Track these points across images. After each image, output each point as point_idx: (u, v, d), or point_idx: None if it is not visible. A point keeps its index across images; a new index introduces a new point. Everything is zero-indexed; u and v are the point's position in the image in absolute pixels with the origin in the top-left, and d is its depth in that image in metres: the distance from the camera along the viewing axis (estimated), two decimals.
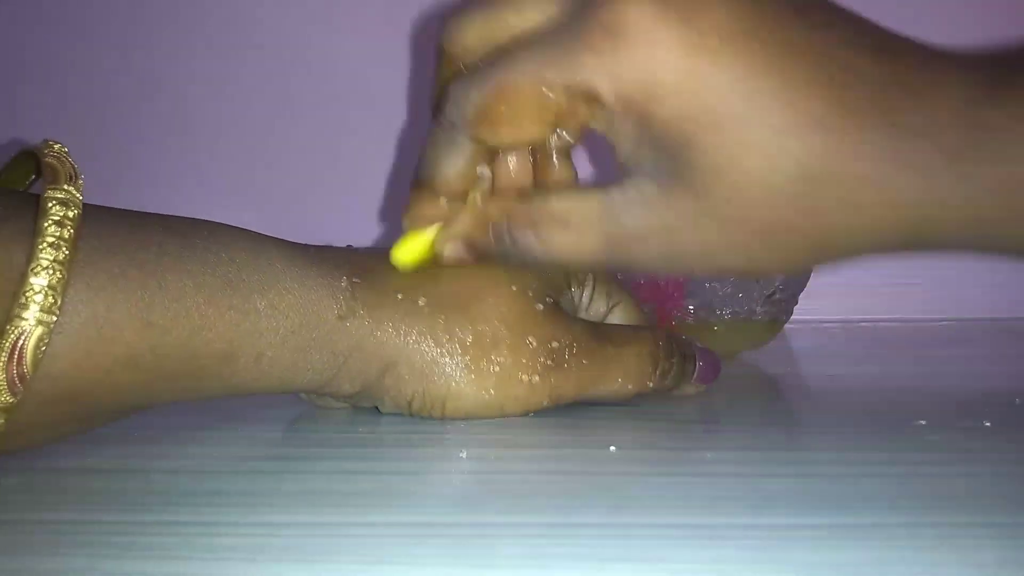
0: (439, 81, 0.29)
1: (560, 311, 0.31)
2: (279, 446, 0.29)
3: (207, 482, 0.24)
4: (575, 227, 0.27)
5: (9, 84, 0.60)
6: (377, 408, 0.31)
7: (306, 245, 0.30)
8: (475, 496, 0.23)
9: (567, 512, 0.21)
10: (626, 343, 0.31)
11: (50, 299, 0.22)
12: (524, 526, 0.21)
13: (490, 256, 0.29)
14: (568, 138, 0.27)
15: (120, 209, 0.26)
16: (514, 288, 0.30)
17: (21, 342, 0.22)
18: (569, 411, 0.33)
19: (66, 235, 0.23)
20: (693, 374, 0.33)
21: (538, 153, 0.29)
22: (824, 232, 0.24)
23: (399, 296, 0.29)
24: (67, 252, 0.23)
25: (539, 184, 0.29)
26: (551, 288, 0.31)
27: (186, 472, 0.25)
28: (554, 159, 0.29)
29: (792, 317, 0.46)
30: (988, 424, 0.29)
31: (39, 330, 0.22)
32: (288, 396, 0.33)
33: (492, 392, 0.29)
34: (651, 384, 0.31)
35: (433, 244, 0.30)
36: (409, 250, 0.30)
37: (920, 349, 0.52)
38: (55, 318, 0.22)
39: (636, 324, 0.34)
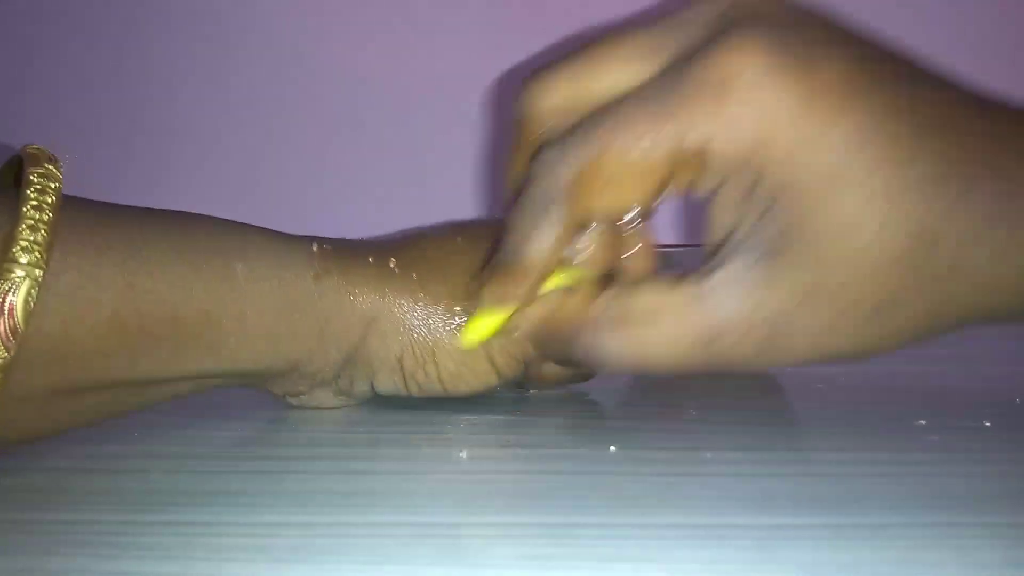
0: (521, 148, 0.27)
1: None
2: (279, 446, 0.29)
3: (207, 482, 0.24)
4: (666, 323, 0.24)
5: (5, 89, 0.60)
6: (373, 399, 0.31)
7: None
8: (475, 496, 0.23)
9: (567, 512, 0.21)
10: None
11: (36, 255, 0.23)
12: (524, 526, 0.21)
13: (560, 356, 0.28)
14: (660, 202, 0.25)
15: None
16: (481, 253, 0.30)
17: (11, 296, 0.23)
18: (569, 411, 0.33)
19: (48, 200, 0.24)
20: None
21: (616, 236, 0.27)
22: (939, 301, 0.23)
23: (369, 259, 0.30)
24: (50, 214, 0.24)
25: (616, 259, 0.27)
26: None
27: (186, 472, 0.25)
28: (632, 249, 0.27)
29: None
30: (988, 424, 0.29)
31: (27, 283, 0.23)
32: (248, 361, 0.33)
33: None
34: None
35: (504, 324, 0.28)
36: (480, 329, 0.28)
37: (920, 349, 0.51)
38: (42, 272, 0.23)
39: None
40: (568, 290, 0.28)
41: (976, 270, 0.22)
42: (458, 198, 0.58)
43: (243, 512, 0.22)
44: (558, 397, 0.34)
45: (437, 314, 0.29)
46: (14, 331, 0.23)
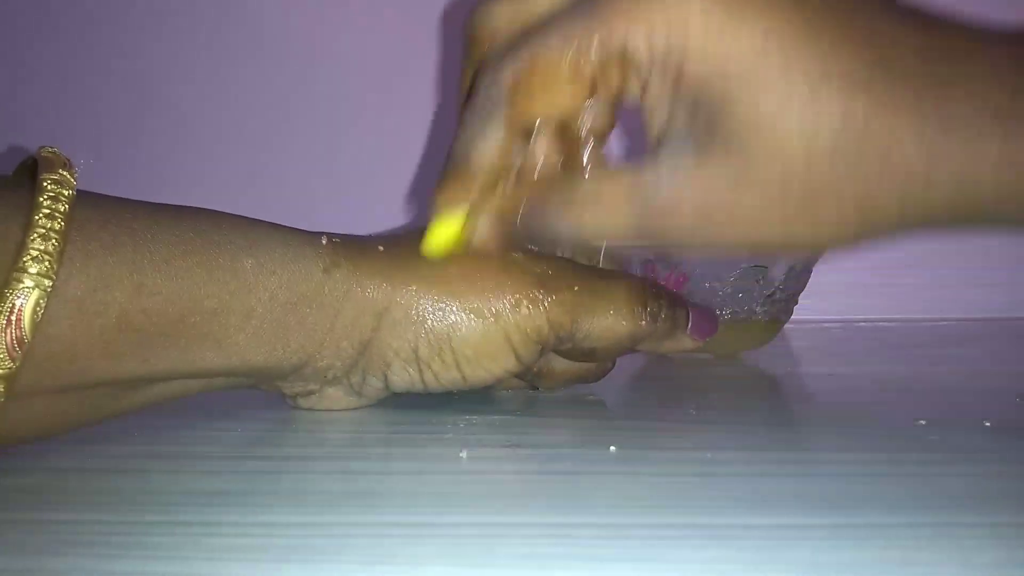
0: (468, 65, 0.29)
1: (539, 252, 0.31)
2: (279, 446, 0.29)
3: (207, 482, 0.24)
4: (606, 203, 0.26)
5: (10, 90, 0.60)
6: (386, 396, 0.31)
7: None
8: (475, 496, 0.23)
9: (567, 512, 0.21)
10: (614, 278, 0.31)
11: (46, 265, 0.23)
12: (524, 526, 0.21)
13: (519, 239, 0.29)
14: (601, 118, 0.27)
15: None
16: None
17: (19, 306, 0.23)
18: (569, 411, 0.33)
19: (61, 208, 0.24)
20: (687, 324, 0.33)
21: (569, 142, 0.28)
22: (867, 198, 0.24)
23: (380, 248, 0.30)
24: (62, 223, 0.24)
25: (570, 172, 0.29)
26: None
27: (186, 472, 0.25)
28: (586, 148, 0.28)
29: (792, 317, 0.46)
30: (988, 424, 0.29)
31: (36, 294, 0.23)
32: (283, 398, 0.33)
33: (492, 321, 0.29)
34: (643, 323, 0.31)
35: (462, 230, 0.29)
36: (438, 236, 0.29)
37: (920, 349, 0.52)
38: (51, 282, 0.23)
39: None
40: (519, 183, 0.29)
41: (908, 164, 0.23)
42: None
43: (243, 512, 0.22)
44: (558, 398, 0.34)
45: (448, 298, 0.29)
46: (20, 342, 0.23)
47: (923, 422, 0.29)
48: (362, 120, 0.59)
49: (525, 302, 0.29)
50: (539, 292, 0.30)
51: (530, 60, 0.26)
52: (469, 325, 0.29)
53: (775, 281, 0.43)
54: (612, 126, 0.28)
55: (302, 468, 0.26)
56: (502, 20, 0.28)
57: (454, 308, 0.29)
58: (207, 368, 0.27)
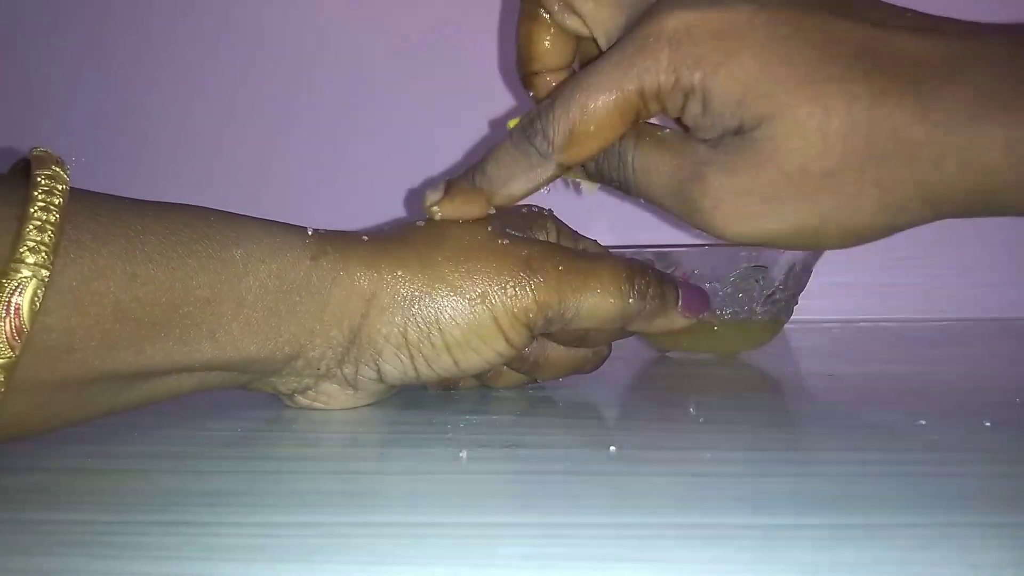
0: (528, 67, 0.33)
1: (524, 237, 0.32)
2: (279, 446, 0.29)
3: (207, 482, 0.24)
4: (667, 156, 0.29)
5: (5, 91, 0.60)
6: (382, 390, 0.31)
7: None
8: (475, 496, 0.23)
9: (567, 512, 0.21)
10: (599, 257, 0.32)
11: (43, 255, 0.23)
12: (524, 526, 0.21)
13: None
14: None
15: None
16: (474, 226, 0.31)
17: (17, 296, 0.23)
18: (569, 411, 0.33)
19: (55, 201, 0.24)
20: (677, 302, 0.33)
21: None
22: (885, 178, 0.26)
23: (364, 238, 0.31)
24: (56, 216, 0.24)
25: None
26: (512, 229, 0.32)
27: (186, 472, 0.25)
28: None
29: (792, 317, 0.46)
30: (988, 424, 0.29)
31: (33, 283, 0.23)
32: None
33: (480, 304, 0.29)
34: (631, 300, 0.31)
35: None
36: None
37: (920, 349, 0.52)
38: (48, 272, 0.23)
39: None
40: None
41: (915, 144, 0.26)
42: None
43: (243, 512, 0.22)
44: (558, 398, 0.34)
45: (435, 282, 0.30)
46: (20, 331, 0.23)
47: (923, 422, 0.29)
48: (362, 121, 0.59)
49: (511, 283, 0.30)
50: (525, 273, 0.30)
51: (580, 114, 0.29)
52: (456, 307, 0.29)
53: (775, 281, 0.43)
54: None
55: (302, 468, 0.26)
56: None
57: (441, 291, 0.30)
58: (202, 360, 0.27)
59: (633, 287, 0.31)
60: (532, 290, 0.30)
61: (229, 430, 0.30)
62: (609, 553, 0.19)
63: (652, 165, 0.30)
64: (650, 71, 0.28)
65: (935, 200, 0.26)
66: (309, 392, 0.31)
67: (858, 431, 0.29)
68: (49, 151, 0.26)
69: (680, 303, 0.33)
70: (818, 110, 0.26)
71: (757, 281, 0.43)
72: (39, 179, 0.24)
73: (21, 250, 0.23)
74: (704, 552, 0.19)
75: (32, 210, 0.24)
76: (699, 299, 0.34)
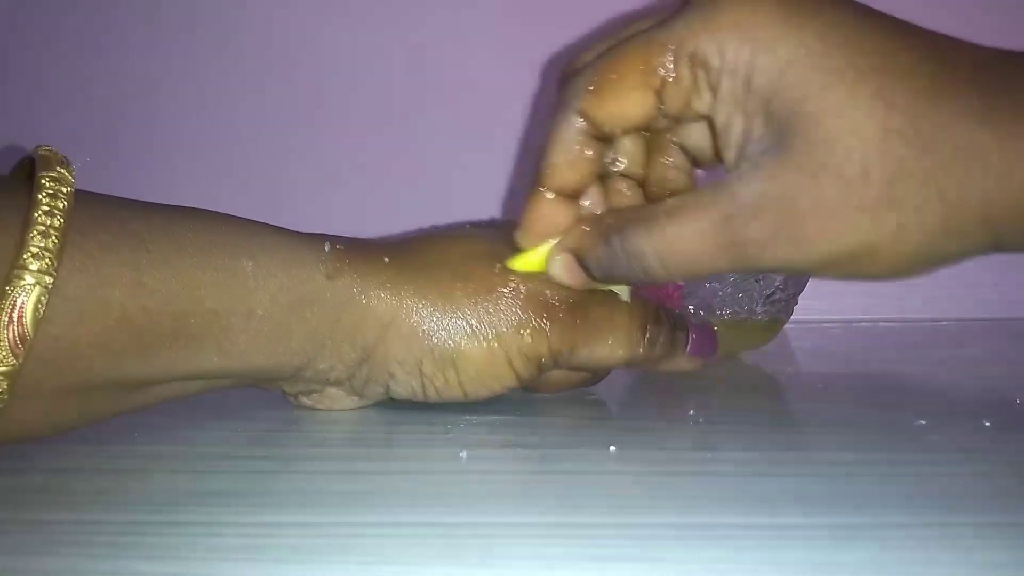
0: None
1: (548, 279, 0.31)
2: (279, 446, 0.29)
3: (207, 482, 0.24)
4: (689, 215, 0.26)
5: (9, 90, 0.60)
6: (386, 398, 0.31)
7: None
8: (475, 496, 0.23)
9: (567, 512, 0.21)
10: (616, 306, 0.31)
11: (46, 262, 0.23)
12: (524, 526, 0.21)
13: (601, 271, 0.29)
14: (674, 119, 0.28)
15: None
16: (505, 252, 0.30)
17: (20, 303, 0.23)
18: (569, 411, 0.33)
19: (60, 206, 0.24)
20: (686, 345, 0.33)
21: (652, 161, 0.30)
22: (948, 186, 0.23)
23: (385, 259, 0.30)
24: (61, 220, 0.24)
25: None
26: None
27: (186, 472, 0.25)
28: (670, 168, 0.30)
29: (792, 317, 0.46)
30: (988, 424, 0.29)
31: (37, 291, 0.23)
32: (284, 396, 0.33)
33: (496, 345, 0.29)
34: (641, 350, 0.31)
35: (546, 260, 0.30)
36: (522, 265, 0.30)
37: (920, 349, 0.52)
38: (52, 279, 0.23)
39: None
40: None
41: (982, 151, 0.23)
42: (476, 198, 0.58)
43: (243, 512, 0.22)
44: (558, 398, 0.34)
45: (455, 318, 0.29)
46: (23, 338, 0.23)
47: (923, 422, 0.29)
48: (369, 123, 0.59)
49: (528, 329, 0.29)
50: (542, 320, 0.30)
51: (604, 64, 0.27)
52: (474, 346, 0.29)
53: (775, 281, 0.43)
54: (692, 158, 0.30)
55: (302, 468, 0.26)
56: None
57: (459, 329, 0.29)
58: (208, 369, 0.27)
59: (644, 337, 0.31)
60: (547, 338, 0.30)
61: (229, 430, 0.30)
62: (609, 553, 0.19)
63: (673, 236, 0.26)
64: (689, 35, 0.26)
65: (999, 219, 0.24)
66: (314, 395, 0.31)
67: (858, 431, 0.29)
68: (54, 151, 0.25)
69: (688, 347, 0.33)
70: (880, 105, 0.23)
71: (757, 281, 0.43)
72: (44, 182, 0.24)
73: (25, 256, 0.23)
74: (704, 552, 0.19)
75: (36, 215, 0.23)
76: (707, 343, 0.33)
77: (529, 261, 0.30)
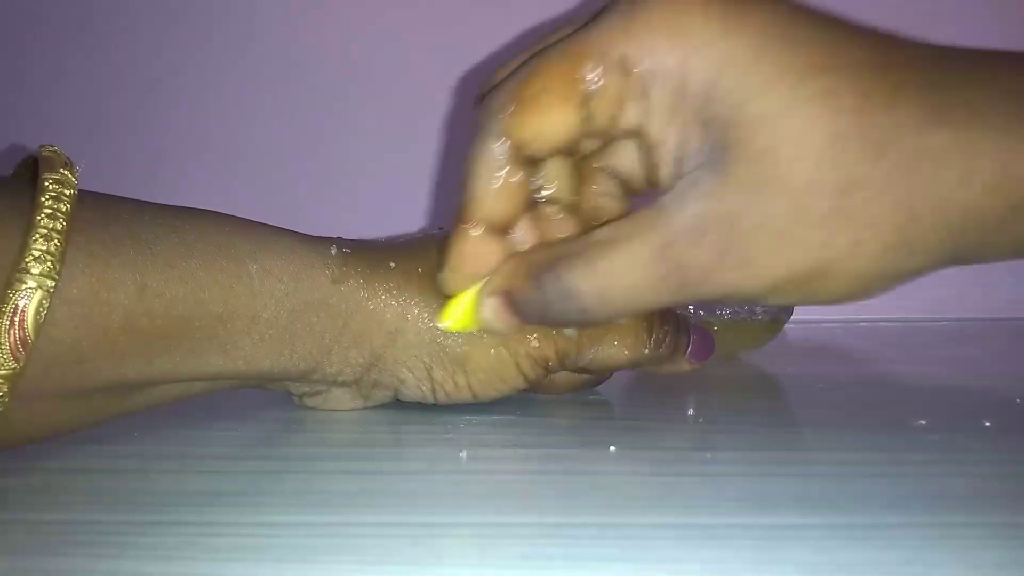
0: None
1: None
2: (279, 446, 0.29)
3: (207, 482, 0.24)
4: (624, 245, 0.24)
5: (10, 89, 0.60)
6: (392, 400, 0.31)
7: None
8: (475, 496, 0.23)
9: (567, 512, 0.21)
10: None
11: (48, 265, 0.23)
12: (524, 526, 0.21)
13: (532, 312, 0.26)
14: (603, 136, 0.25)
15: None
16: None
17: (22, 307, 0.22)
18: (569, 411, 0.33)
19: (63, 208, 0.23)
20: (687, 350, 0.32)
21: (582, 188, 0.28)
22: (904, 195, 0.21)
23: (392, 264, 0.29)
24: (63, 223, 0.23)
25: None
26: None
27: (186, 472, 0.25)
28: (602, 196, 0.28)
29: (792, 317, 0.46)
30: (988, 424, 0.29)
31: (39, 294, 0.23)
32: (289, 396, 0.33)
33: (503, 349, 0.29)
34: (646, 351, 0.31)
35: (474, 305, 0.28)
36: (452, 314, 0.28)
37: (920, 349, 0.52)
38: (53, 283, 0.23)
39: None
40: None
41: (938, 156, 0.21)
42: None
43: (243, 512, 0.22)
44: (560, 398, 0.34)
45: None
46: (24, 342, 0.23)
47: (923, 422, 0.29)
48: (371, 123, 0.59)
49: (536, 333, 0.29)
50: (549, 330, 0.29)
51: (522, 78, 0.25)
52: (483, 352, 0.29)
53: None
54: (627, 182, 0.27)
55: (302, 468, 0.26)
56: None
57: (468, 333, 0.29)
58: (213, 372, 0.27)
59: (651, 338, 0.31)
60: (553, 341, 0.29)
61: (230, 430, 0.30)
62: (609, 553, 0.19)
63: (607, 270, 0.24)
64: (615, 40, 0.23)
65: (960, 227, 0.22)
66: (319, 396, 0.31)
67: (858, 431, 0.29)
68: (57, 151, 0.25)
69: (689, 350, 0.32)
70: (826, 107, 0.21)
71: None
72: (47, 184, 0.24)
73: (27, 260, 0.23)
74: (704, 552, 0.19)
75: (38, 218, 0.23)
76: (706, 347, 0.33)
77: (459, 311, 0.28)
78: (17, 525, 0.21)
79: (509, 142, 0.25)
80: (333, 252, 0.29)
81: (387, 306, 0.29)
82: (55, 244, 0.23)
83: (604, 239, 0.25)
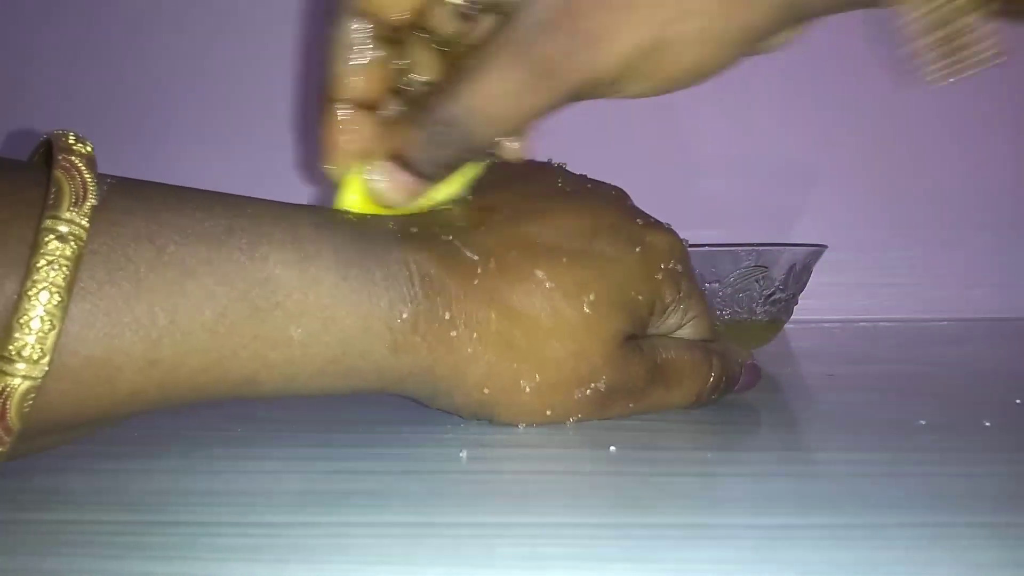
0: None
1: (624, 348, 0.28)
2: (279, 446, 0.29)
3: (207, 482, 0.24)
4: (489, 60, 0.24)
5: (21, 74, 0.60)
6: (375, 397, 0.31)
7: (368, 235, 0.26)
8: (475, 496, 0.23)
9: (567, 512, 0.21)
10: (677, 384, 0.30)
11: (37, 351, 0.20)
12: (524, 526, 0.21)
13: (426, 159, 0.26)
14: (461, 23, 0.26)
15: (144, 187, 0.24)
16: (594, 330, 0.27)
17: (4, 399, 0.21)
18: None
19: (60, 280, 0.21)
20: (735, 384, 0.32)
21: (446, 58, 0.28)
22: None
23: (452, 334, 0.26)
24: (60, 298, 0.21)
25: None
26: (633, 325, 0.29)
27: (186, 472, 0.25)
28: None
29: (792, 317, 0.46)
30: (988, 424, 0.29)
31: (25, 385, 0.21)
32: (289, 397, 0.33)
33: (546, 414, 0.29)
34: (691, 404, 0.31)
35: (364, 180, 0.27)
36: (347, 198, 0.27)
37: (920, 349, 0.52)
38: (43, 371, 0.21)
39: (703, 338, 0.32)
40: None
41: None
42: None
43: (243, 512, 0.22)
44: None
45: (512, 403, 0.28)
46: (8, 431, 0.21)
47: (923, 422, 0.29)
48: None
49: (576, 416, 0.29)
50: (592, 407, 0.29)
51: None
52: (517, 417, 0.29)
53: (775, 281, 0.43)
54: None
55: (302, 468, 0.26)
56: None
57: (513, 408, 0.28)
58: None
59: (701, 400, 0.31)
60: (595, 415, 0.29)
61: (229, 430, 0.30)
62: (609, 553, 0.19)
63: (480, 88, 0.24)
64: None
65: None
66: None
67: (858, 431, 0.29)
68: (72, 168, 0.21)
69: (736, 388, 0.33)
70: None
71: (757, 281, 0.43)
72: (46, 240, 0.21)
73: (13, 346, 0.20)
74: (704, 552, 0.19)
75: (30, 291, 0.20)
76: (752, 382, 0.33)
77: (355, 191, 0.27)
78: (17, 525, 0.21)
79: (366, 15, 0.26)
80: (404, 316, 0.25)
81: (445, 375, 0.27)
82: (48, 326, 0.20)
83: (470, 64, 0.25)
